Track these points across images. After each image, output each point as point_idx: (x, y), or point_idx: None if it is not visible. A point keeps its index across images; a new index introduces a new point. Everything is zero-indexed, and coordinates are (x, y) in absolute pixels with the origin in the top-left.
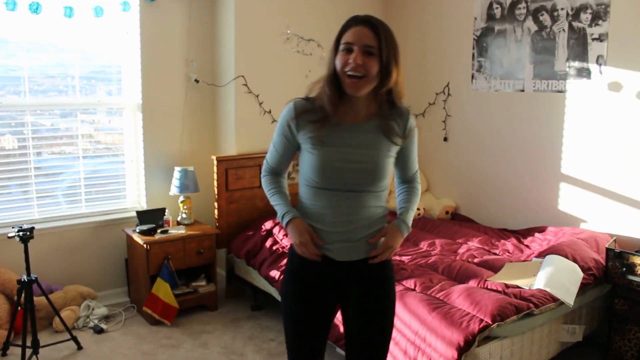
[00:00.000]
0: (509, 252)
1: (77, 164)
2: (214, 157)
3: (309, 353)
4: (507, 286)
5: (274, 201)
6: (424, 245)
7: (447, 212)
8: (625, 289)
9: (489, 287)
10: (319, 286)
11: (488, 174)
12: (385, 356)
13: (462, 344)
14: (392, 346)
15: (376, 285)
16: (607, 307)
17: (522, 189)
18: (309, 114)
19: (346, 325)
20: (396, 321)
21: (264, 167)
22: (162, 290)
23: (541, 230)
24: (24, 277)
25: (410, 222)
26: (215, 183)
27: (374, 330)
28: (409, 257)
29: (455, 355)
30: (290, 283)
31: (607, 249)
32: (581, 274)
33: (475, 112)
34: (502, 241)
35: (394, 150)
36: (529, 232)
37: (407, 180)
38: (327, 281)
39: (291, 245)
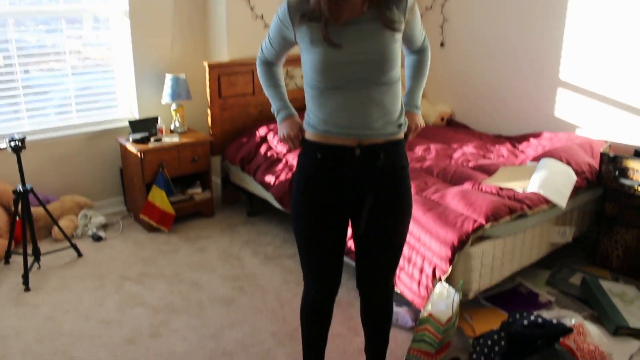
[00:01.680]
0: (503, 156)
1: (67, 81)
2: (206, 64)
3: (328, 267)
4: (501, 189)
5: (270, 94)
6: (418, 150)
7: (442, 119)
8: (616, 192)
9: (483, 189)
10: (335, 189)
11: (484, 80)
12: (396, 268)
13: (456, 243)
14: None
15: (394, 190)
16: (597, 210)
17: (518, 95)
18: (304, 13)
19: (357, 234)
20: None
21: (258, 56)
22: (158, 197)
23: (536, 135)
24: (19, 187)
25: (419, 101)
26: (208, 90)
27: (389, 237)
28: None
29: (449, 254)
30: (307, 189)
31: (602, 154)
32: (575, 177)
33: (474, 16)
34: (497, 146)
35: (398, 36)
36: (524, 137)
37: (415, 51)
38: (346, 182)
39: (301, 153)
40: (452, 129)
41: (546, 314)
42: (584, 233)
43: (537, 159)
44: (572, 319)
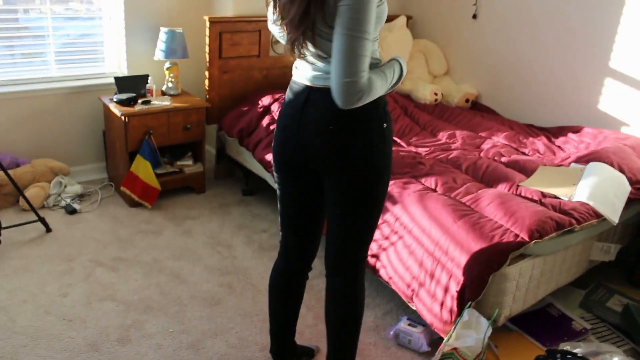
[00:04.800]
0: (539, 152)
1: (46, 25)
2: (206, 18)
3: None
4: (543, 195)
5: (390, 71)
6: (442, 137)
7: (467, 100)
8: None
9: (522, 193)
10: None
11: (520, 60)
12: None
13: (492, 262)
14: (405, 255)
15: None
16: (639, 224)
17: (558, 80)
18: None
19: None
20: (413, 227)
21: (361, 84)
22: (142, 169)
23: (576, 130)
24: None
25: None
26: (207, 48)
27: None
28: (427, 149)
29: (483, 275)
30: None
31: None
32: (629, 188)
33: None
34: (531, 139)
35: None
36: (561, 131)
37: None
38: None
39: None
40: (478, 112)
41: (583, 347)
42: (622, 249)
43: (582, 160)
44: (614, 357)
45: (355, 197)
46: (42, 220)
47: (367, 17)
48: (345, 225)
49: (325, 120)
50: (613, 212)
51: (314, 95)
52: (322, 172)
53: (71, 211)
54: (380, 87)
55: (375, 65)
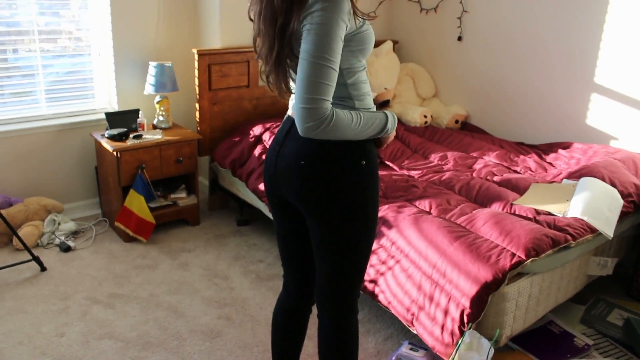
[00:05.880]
0: (531, 170)
1: (36, 64)
2: (194, 51)
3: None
4: (537, 212)
5: (367, 120)
6: (434, 159)
7: (456, 121)
8: None
9: (516, 212)
10: None
11: (506, 79)
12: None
13: (490, 282)
14: (403, 279)
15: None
16: (636, 236)
17: (546, 98)
18: None
19: None
20: (409, 250)
21: (319, 112)
22: (136, 203)
23: (566, 146)
24: None
25: None
26: (197, 81)
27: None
28: (419, 171)
29: (482, 295)
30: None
31: None
32: (621, 201)
33: (497, 6)
34: (522, 157)
35: None
36: (551, 147)
37: None
38: None
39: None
40: (468, 133)
41: None
42: (619, 262)
43: (573, 175)
44: None
45: (331, 238)
46: (36, 259)
47: (329, 42)
48: (327, 265)
49: (299, 154)
50: (607, 226)
51: (295, 127)
52: (301, 208)
53: (66, 249)
54: (345, 126)
55: (361, 99)
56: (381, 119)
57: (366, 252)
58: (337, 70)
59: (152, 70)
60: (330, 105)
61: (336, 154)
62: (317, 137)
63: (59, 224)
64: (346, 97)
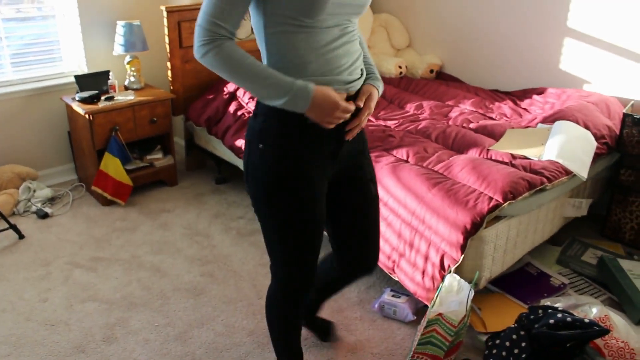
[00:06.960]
0: (506, 116)
1: None
2: (163, 8)
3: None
4: (513, 157)
5: (263, 78)
6: (410, 108)
7: (431, 71)
8: (635, 158)
9: (493, 157)
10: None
11: (478, 27)
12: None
13: (469, 226)
14: (383, 228)
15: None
16: (609, 177)
17: (519, 44)
18: None
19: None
20: (388, 199)
21: (208, 33)
22: (112, 166)
23: (540, 92)
24: None
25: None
26: (167, 39)
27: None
28: (396, 121)
29: (461, 239)
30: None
31: (625, 115)
32: (595, 143)
33: None
34: (497, 104)
35: None
36: (526, 93)
37: None
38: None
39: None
40: (443, 82)
41: (563, 301)
42: (593, 203)
43: (548, 120)
44: (592, 308)
45: (256, 214)
46: (13, 227)
47: None
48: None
49: None
50: (582, 168)
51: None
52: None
53: (43, 215)
54: (234, 65)
55: (280, 63)
56: (282, 85)
57: (289, 238)
58: (246, 3)
59: (120, 29)
60: (227, 36)
61: (249, 131)
62: (208, 67)
63: (34, 191)
64: (265, 50)
